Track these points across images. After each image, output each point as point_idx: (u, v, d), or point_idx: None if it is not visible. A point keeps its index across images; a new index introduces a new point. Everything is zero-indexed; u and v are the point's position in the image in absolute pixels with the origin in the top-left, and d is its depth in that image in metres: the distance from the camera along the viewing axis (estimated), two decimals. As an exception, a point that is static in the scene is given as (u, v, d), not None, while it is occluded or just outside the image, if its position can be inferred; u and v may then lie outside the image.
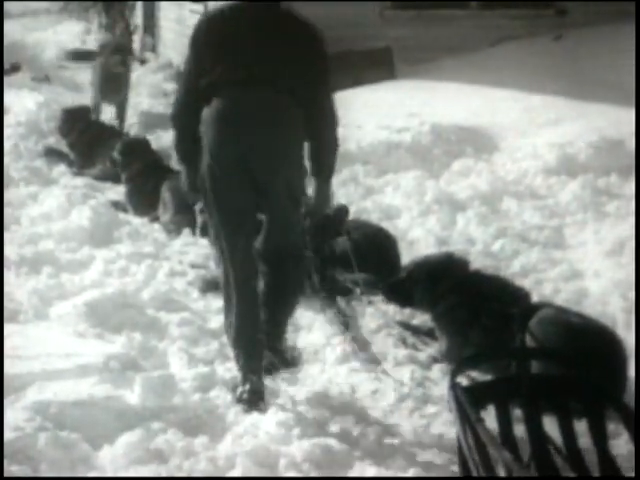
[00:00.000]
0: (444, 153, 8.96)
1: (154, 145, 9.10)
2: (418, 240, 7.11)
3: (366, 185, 8.42)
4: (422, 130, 9.19)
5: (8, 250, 6.50)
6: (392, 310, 5.76)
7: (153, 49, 16.14)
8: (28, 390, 4.38)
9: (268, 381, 4.71)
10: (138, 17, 16.81)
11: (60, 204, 7.58)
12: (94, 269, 6.30)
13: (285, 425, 4.23)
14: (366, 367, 5.05)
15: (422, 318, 5.62)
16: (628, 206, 7.44)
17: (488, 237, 7.08)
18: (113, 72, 10.93)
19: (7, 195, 7.86)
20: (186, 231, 7.25)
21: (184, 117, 4.71)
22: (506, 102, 10.00)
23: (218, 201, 4.61)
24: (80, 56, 15.69)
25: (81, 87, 13.35)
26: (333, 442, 4.12)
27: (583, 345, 4.62)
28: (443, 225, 7.40)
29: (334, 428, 4.37)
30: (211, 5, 4.89)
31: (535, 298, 5.39)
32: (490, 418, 3.42)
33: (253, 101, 4.55)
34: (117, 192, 8.54)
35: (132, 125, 11.27)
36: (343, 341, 5.31)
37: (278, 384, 4.82)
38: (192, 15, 12.46)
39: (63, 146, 9.82)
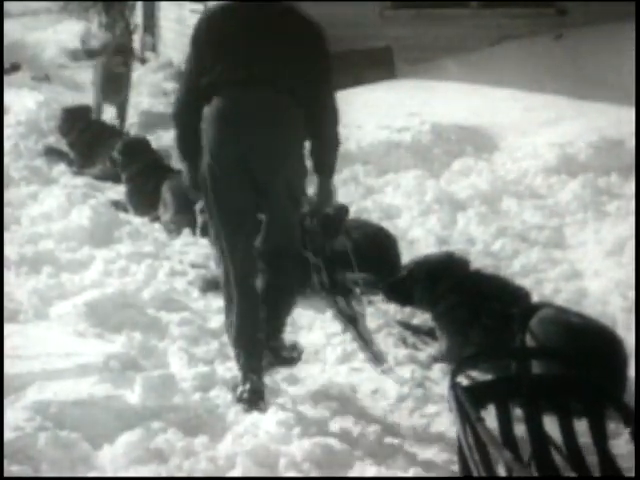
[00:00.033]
0: (444, 153, 8.96)
1: (154, 145, 9.09)
2: (418, 240, 7.11)
3: (366, 185, 8.42)
4: (422, 130, 9.19)
5: (8, 250, 6.50)
6: (392, 310, 5.77)
7: (153, 48, 16.14)
8: (28, 390, 4.38)
9: (268, 380, 4.71)
10: (138, 17, 16.80)
11: (60, 204, 7.58)
12: (94, 269, 6.30)
13: (285, 425, 4.23)
14: (369, 365, 5.05)
15: (422, 318, 5.62)
16: (628, 206, 7.44)
17: (488, 237, 7.08)
18: (114, 72, 10.92)
19: (7, 195, 7.85)
20: (186, 231, 7.25)
21: (185, 116, 4.71)
22: (506, 102, 10.00)
23: (218, 201, 4.61)
24: (85, 54, 15.67)
25: (81, 86, 13.34)
26: (333, 442, 4.12)
27: (583, 345, 4.62)
28: (443, 225, 7.40)
29: (334, 428, 4.37)
30: (211, 5, 4.87)
31: (535, 298, 5.39)
32: (490, 418, 3.42)
33: (253, 101, 4.55)
34: (117, 192, 8.54)
35: (132, 125, 11.27)
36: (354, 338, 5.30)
37: (278, 383, 4.82)
38: (192, 15, 12.46)
39: (63, 145, 9.81)
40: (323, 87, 4.63)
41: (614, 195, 7.83)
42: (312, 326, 5.65)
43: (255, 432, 4.22)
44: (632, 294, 5.80)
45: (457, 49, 11.77)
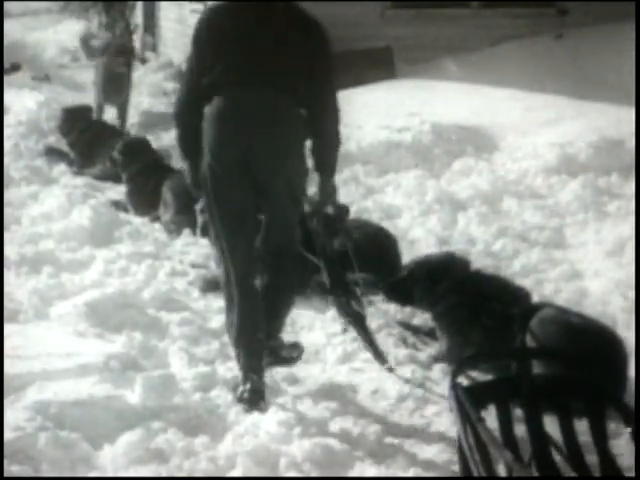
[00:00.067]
0: (445, 153, 8.96)
1: (154, 144, 9.09)
2: (419, 240, 7.11)
3: (367, 185, 8.42)
4: (422, 130, 9.19)
5: (8, 250, 6.50)
6: (393, 310, 5.77)
7: (153, 48, 16.14)
8: (28, 390, 4.38)
9: (269, 380, 4.71)
10: (138, 17, 16.79)
11: (60, 204, 7.58)
12: (94, 269, 6.30)
13: (286, 425, 4.23)
14: (373, 364, 5.05)
15: (422, 318, 5.62)
16: (628, 206, 7.44)
17: (489, 237, 7.08)
18: (116, 73, 10.91)
19: (7, 195, 7.85)
20: (187, 231, 7.25)
21: (186, 115, 4.71)
22: (507, 101, 10.00)
23: (218, 201, 4.61)
24: (88, 54, 15.64)
25: (81, 86, 13.34)
26: (334, 442, 4.12)
27: (583, 345, 4.62)
28: (444, 225, 7.40)
29: (335, 428, 4.37)
30: (211, 4, 4.86)
31: (535, 298, 5.39)
32: (491, 418, 3.42)
33: (253, 101, 4.55)
34: (117, 192, 8.54)
35: (132, 124, 11.27)
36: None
37: (279, 383, 4.82)
38: (192, 15, 12.45)
39: (63, 145, 9.81)
40: (324, 86, 4.63)
41: (614, 195, 7.83)
42: (312, 326, 5.65)
43: (255, 432, 4.22)
44: (632, 294, 5.80)
45: (457, 49, 11.77)
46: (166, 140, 9.61)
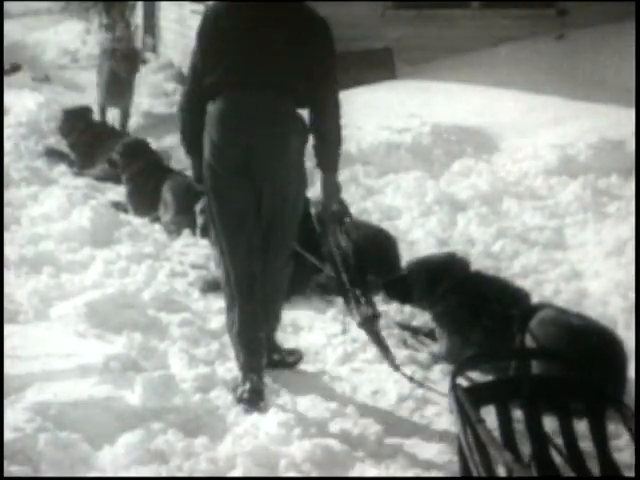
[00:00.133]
0: (444, 153, 8.95)
1: (154, 145, 9.09)
2: (418, 241, 7.11)
3: (366, 186, 8.42)
4: (422, 130, 9.18)
5: (8, 250, 6.50)
6: (392, 311, 5.76)
7: (153, 49, 16.12)
8: (28, 390, 4.38)
9: (268, 381, 4.72)
10: (138, 17, 16.79)
11: (60, 204, 7.58)
12: (94, 269, 6.30)
13: (286, 425, 4.23)
14: (371, 364, 5.05)
15: (422, 319, 5.62)
16: (628, 207, 7.44)
17: (488, 238, 7.08)
18: (120, 76, 10.89)
19: (7, 195, 7.86)
20: (187, 231, 7.25)
21: (190, 113, 4.73)
22: (507, 102, 10.00)
23: (219, 201, 4.62)
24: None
25: (81, 87, 13.34)
26: (333, 442, 4.12)
27: (583, 346, 4.62)
28: (443, 226, 7.40)
29: (334, 428, 4.37)
30: (211, 4, 4.85)
31: (535, 299, 5.38)
32: (491, 419, 3.42)
33: (253, 103, 4.57)
34: (118, 192, 8.54)
35: (132, 125, 11.26)
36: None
37: (279, 384, 4.82)
38: (192, 15, 12.45)
39: (63, 146, 9.81)
40: (327, 85, 4.64)
41: (614, 196, 7.82)
42: (312, 326, 5.65)
43: (255, 433, 4.23)
44: (632, 295, 5.80)
45: (458, 50, 11.76)
46: (166, 141, 9.60)
